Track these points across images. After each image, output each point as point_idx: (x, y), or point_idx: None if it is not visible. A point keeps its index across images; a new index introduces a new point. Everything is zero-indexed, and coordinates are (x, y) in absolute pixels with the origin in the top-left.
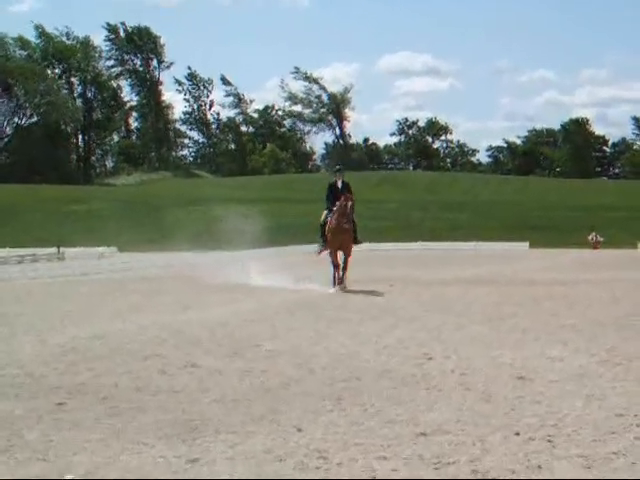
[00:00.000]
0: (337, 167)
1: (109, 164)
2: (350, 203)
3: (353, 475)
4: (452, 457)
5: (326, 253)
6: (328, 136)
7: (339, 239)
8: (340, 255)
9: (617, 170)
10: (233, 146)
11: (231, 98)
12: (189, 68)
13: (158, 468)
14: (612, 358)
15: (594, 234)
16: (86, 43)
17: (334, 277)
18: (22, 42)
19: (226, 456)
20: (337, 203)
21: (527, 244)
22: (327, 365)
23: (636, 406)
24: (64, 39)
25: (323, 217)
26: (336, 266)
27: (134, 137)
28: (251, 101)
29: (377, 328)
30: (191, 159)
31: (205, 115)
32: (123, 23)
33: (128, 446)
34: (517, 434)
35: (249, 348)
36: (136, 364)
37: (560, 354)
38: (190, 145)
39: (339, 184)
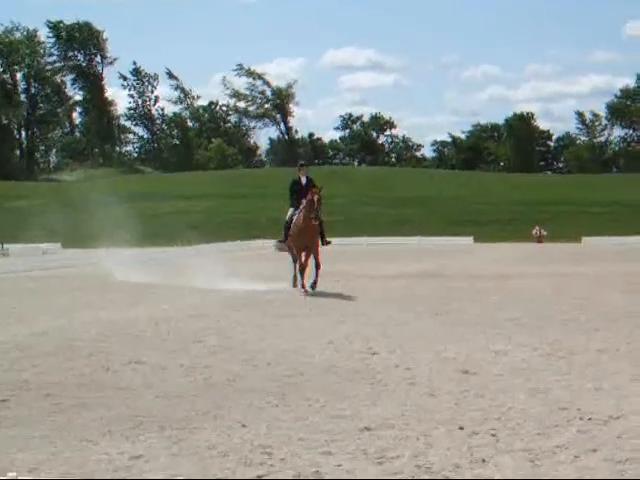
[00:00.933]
0: (300, 162)
1: (53, 160)
2: (317, 197)
3: (297, 470)
4: (396, 452)
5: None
6: (273, 131)
7: (305, 237)
8: (309, 260)
9: (561, 164)
10: (178, 141)
11: (177, 93)
12: (134, 63)
13: (101, 465)
14: (556, 352)
15: (538, 228)
16: (31, 38)
17: (295, 276)
18: None
19: (170, 452)
20: (303, 201)
21: (471, 238)
22: (272, 361)
23: (579, 399)
24: (9, 34)
25: (289, 215)
26: (301, 268)
27: (78, 133)
28: (197, 97)
29: (322, 323)
30: (136, 155)
31: (150, 110)
32: (61, 22)
33: (71, 443)
34: (461, 428)
35: (194, 344)
36: (80, 361)
37: (504, 348)
38: (135, 141)
39: (303, 180)
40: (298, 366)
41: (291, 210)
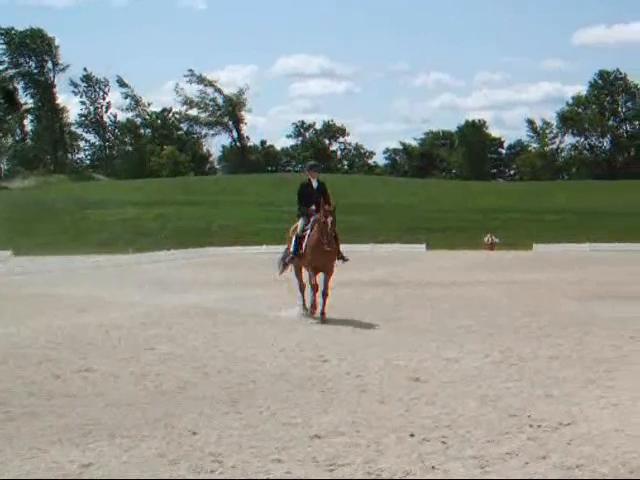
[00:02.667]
0: (311, 163)
1: (4, 167)
2: (330, 219)
3: (247, 478)
4: (346, 459)
5: (289, 271)
6: (225, 138)
7: (320, 260)
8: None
9: (512, 172)
10: (131, 148)
11: (128, 100)
12: (85, 70)
13: (51, 473)
14: (507, 359)
15: (489, 235)
16: None
17: (305, 300)
18: None
19: (120, 460)
20: (315, 216)
21: (424, 246)
22: (223, 368)
23: (530, 406)
24: None
25: (300, 227)
26: (315, 288)
27: (29, 140)
28: (149, 103)
29: (274, 331)
30: (88, 162)
31: (102, 117)
32: (12, 28)
33: (21, 451)
34: (412, 435)
35: (145, 351)
36: (30, 368)
37: (455, 355)
38: (86, 148)
39: (314, 183)
40: (249, 374)
41: (301, 221)
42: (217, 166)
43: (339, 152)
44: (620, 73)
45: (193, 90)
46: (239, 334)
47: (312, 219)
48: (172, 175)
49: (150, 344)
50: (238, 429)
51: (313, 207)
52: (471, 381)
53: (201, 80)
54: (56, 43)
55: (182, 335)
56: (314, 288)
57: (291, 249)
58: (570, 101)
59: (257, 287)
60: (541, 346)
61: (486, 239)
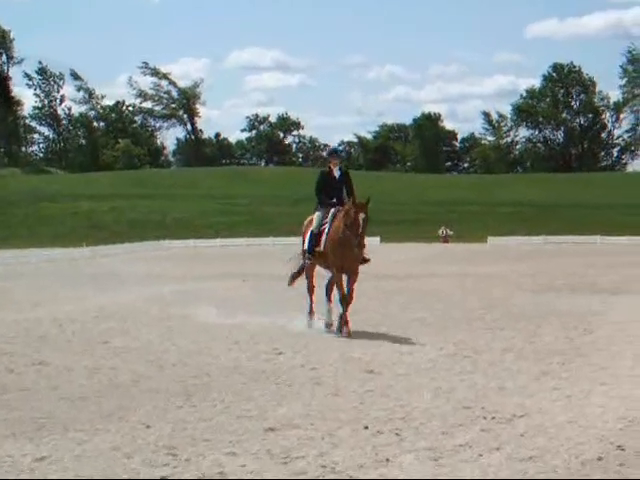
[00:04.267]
0: (331, 149)
1: None
2: (362, 216)
3: (201, 471)
4: (301, 452)
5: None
6: (180, 131)
7: (347, 258)
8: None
9: (467, 165)
10: (84, 142)
11: (81, 93)
12: (40, 63)
13: (4, 467)
14: (460, 351)
15: (444, 228)
16: None
17: (314, 305)
18: None
19: (74, 454)
20: (336, 208)
21: (378, 239)
22: (177, 361)
23: (483, 398)
24: None
25: (316, 221)
26: (343, 298)
27: None
28: (102, 96)
29: (229, 324)
30: (41, 155)
31: (56, 110)
32: None
33: None
34: (366, 428)
35: (99, 345)
36: None
37: (410, 348)
38: (40, 141)
39: (335, 172)
40: (203, 367)
41: (317, 214)
42: (171, 159)
43: (294, 145)
44: (574, 66)
45: (147, 83)
46: (193, 327)
47: (332, 211)
48: (126, 168)
49: (104, 338)
50: (192, 422)
51: (334, 200)
52: (425, 373)
53: (155, 73)
54: (11, 36)
55: (136, 328)
56: (343, 299)
57: (305, 247)
58: (524, 94)
59: (211, 280)
60: (495, 338)
61: (440, 232)
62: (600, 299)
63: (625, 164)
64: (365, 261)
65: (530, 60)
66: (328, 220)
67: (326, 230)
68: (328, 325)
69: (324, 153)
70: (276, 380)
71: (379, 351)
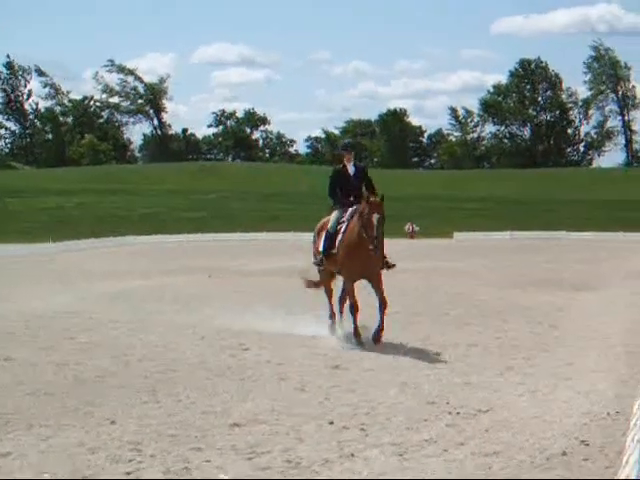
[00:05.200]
0: (345, 142)
1: None
2: (377, 217)
3: (166, 466)
4: (266, 447)
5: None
6: (146, 127)
7: (362, 263)
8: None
9: (433, 161)
10: (51, 137)
11: (47, 89)
12: (8, 57)
13: None
14: (426, 347)
15: (410, 224)
16: None
17: (332, 316)
18: None
19: (38, 449)
20: (353, 207)
21: None
22: (143, 357)
23: (448, 394)
24: None
25: (332, 221)
26: (354, 309)
27: None
28: (68, 92)
29: (194, 319)
30: (7, 150)
31: (22, 105)
32: None
33: None
34: (331, 423)
35: (65, 340)
36: None
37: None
38: (6, 136)
39: (350, 168)
40: (169, 362)
41: (334, 215)
42: (138, 155)
43: (260, 141)
44: (541, 62)
45: (114, 78)
46: (158, 322)
47: (349, 210)
48: (93, 164)
49: (70, 333)
50: (157, 418)
51: (352, 198)
52: (391, 369)
53: (121, 69)
54: None
55: (102, 324)
56: (354, 307)
57: (320, 248)
58: (491, 90)
59: (178, 275)
60: (460, 334)
61: (407, 227)
62: (565, 295)
63: (591, 160)
64: (389, 267)
65: (496, 56)
66: (345, 219)
67: (342, 230)
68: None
69: (291, 149)
70: (241, 376)
71: (345, 347)
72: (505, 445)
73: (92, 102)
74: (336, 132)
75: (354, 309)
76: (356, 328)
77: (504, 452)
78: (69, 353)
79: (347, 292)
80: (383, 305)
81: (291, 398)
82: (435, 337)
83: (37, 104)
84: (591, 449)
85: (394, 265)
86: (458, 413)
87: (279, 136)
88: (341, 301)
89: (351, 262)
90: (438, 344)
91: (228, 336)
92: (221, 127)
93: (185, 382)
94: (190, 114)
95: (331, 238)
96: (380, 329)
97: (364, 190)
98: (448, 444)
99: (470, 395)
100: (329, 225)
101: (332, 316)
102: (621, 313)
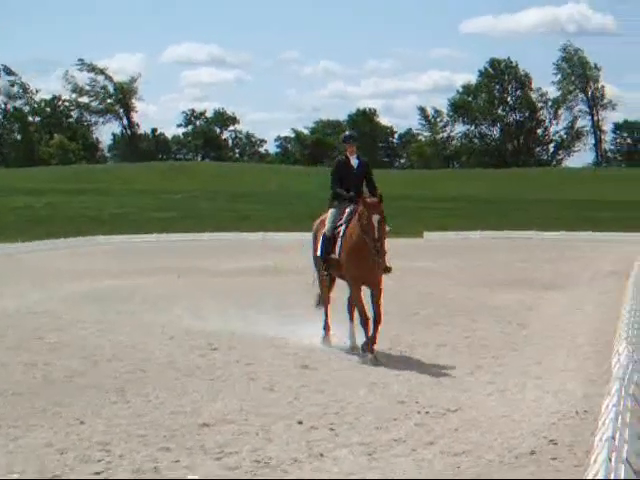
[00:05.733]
0: (346, 134)
1: None
2: (377, 218)
3: (135, 466)
4: (235, 447)
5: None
6: (116, 127)
7: (365, 269)
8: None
9: (403, 160)
10: (20, 137)
11: (16, 88)
12: None
13: None
14: (395, 346)
15: None
16: None
17: (329, 319)
18: None
19: (7, 450)
20: (352, 207)
21: None
22: (112, 357)
23: (417, 393)
24: None
25: (329, 221)
26: (363, 319)
27: None
28: (37, 91)
29: (164, 319)
30: None
31: None
32: None
33: None
34: (300, 423)
35: (34, 340)
36: None
37: (345, 343)
38: None
39: (353, 161)
40: (138, 362)
41: (332, 213)
42: (108, 154)
43: (230, 140)
44: (510, 62)
45: (84, 78)
46: (127, 322)
47: (347, 211)
48: (62, 164)
49: (39, 333)
50: (126, 418)
51: (352, 193)
52: (360, 369)
53: (92, 69)
54: None
55: (71, 324)
56: (363, 317)
57: (318, 253)
58: (460, 89)
59: (147, 276)
60: (430, 333)
61: None
62: (534, 294)
63: (561, 160)
64: (387, 270)
65: (465, 56)
66: (343, 221)
67: (341, 233)
68: (353, 349)
69: (261, 149)
70: (211, 376)
71: (314, 347)
72: (474, 444)
73: (61, 102)
74: (306, 132)
75: (364, 320)
76: (369, 342)
77: (473, 451)
78: (38, 353)
79: (355, 299)
80: (378, 319)
81: (260, 398)
82: (404, 337)
83: (6, 104)
84: (560, 448)
85: (391, 269)
86: (427, 412)
87: (248, 136)
88: (350, 307)
89: (355, 268)
90: (407, 344)
91: (197, 336)
92: (190, 127)
93: (154, 382)
94: (159, 114)
95: (329, 242)
96: (373, 338)
97: (364, 187)
98: (417, 443)
99: (439, 394)
100: (325, 228)
101: (326, 329)
102: (590, 312)
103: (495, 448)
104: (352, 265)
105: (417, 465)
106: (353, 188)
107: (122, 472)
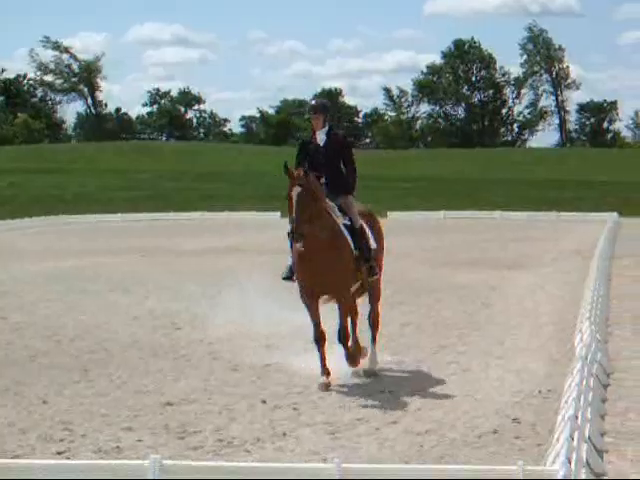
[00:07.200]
0: (311, 104)
1: None
2: (297, 190)
3: (98, 446)
4: (198, 426)
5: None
6: (80, 106)
7: (309, 274)
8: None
9: (368, 140)
10: None
11: None
12: None
13: None
14: (359, 325)
15: None
16: None
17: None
18: None
19: None
20: None
21: (279, 214)
22: (75, 336)
23: (381, 372)
24: None
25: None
26: (318, 336)
27: None
28: (3, 70)
29: (128, 299)
30: None
31: None
32: None
33: None
34: (263, 402)
35: None
36: None
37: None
38: None
39: (319, 138)
40: (101, 342)
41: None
42: (72, 134)
43: (195, 120)
44: (474, 42)
45: (48, 56)
46: (91, 302)
47: None
48: (26, 143)
49: (2, 313)
50: (89, 397)
51: (323, 180)
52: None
53: (56, 47)
54: None
55: (33, 304)
56: (318, 335)
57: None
58: (425, 69)
59: (111, 255)
60: (394, 313)
61: None
62: (498, 274)
63: (525, 140)
64: (373, 274)
65: (429, 36)
66: None
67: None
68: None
69: (225, 128)
70: (174, 355)
71: (278, 326)
72: (437, 423)
73: (26, 80)
74: (271, 111)
75: (319, 340)
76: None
77: (436, 430)
78: (0, 332)
79: (312, 310)
80: (342, 338)
81: (223, 377)
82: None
83: None
84: (522, 427)
85: (376, 274)
86: (390, 392)
87: (213, 115)
88: (371, 323)
89: (298, 272)
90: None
91: (161, 315)
92: (155, 106)
93: (118, 362)
94: (123, 94)
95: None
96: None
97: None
98: (380, 423)
99: (402, 374)
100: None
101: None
102: (553, 292)
103: (458, 427)
104: (297, 269)
105: (380, 444)
106: (322, 170)
107: (85, 451)
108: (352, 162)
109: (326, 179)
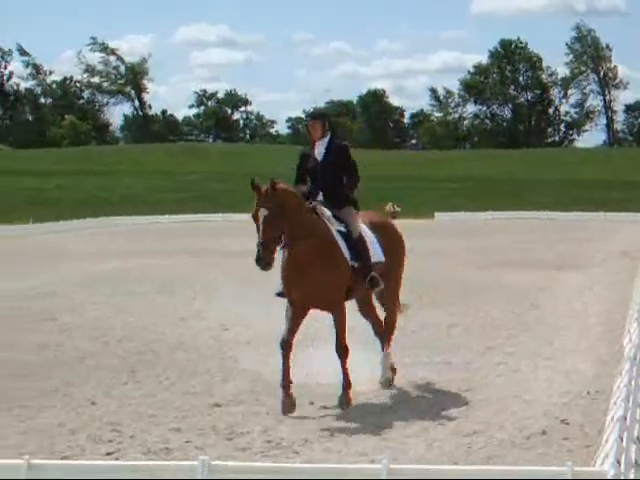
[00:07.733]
0: (309, 112)
1: None
2: (263, 212)
3: (146, 447)
4: (246, 427)
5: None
6: (127, 108)
7: (293, 286)
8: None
9: (415, 141)
10: (31, 118)
11: (29, 69)
12: None
13: None
14: (407, 326)
15: (391, 204)
16: None
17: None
18: None
19: (17, 430)
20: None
21: None
22: (123, 338)
23: (429, 373)
24: None
25: None
26: (287, 342)
27: None
28: (50, 72)
29: (175, 300)
30: None
31: (3, 86)
32: None
33: None
34: (311, 403)
35: (45, 321)
36: None
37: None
38: None
39: (317, 151)
40: (149, 343)
41: None
42: (118, 135)
43: (241, 121)
44: (521, 42)
45: (95, 58)
46: (139, 303)
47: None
48: (73, 145)
49: (51, 314)
50: (137, 398)
51: (321, 195)
52: (370, 349)
53: (104, 48)
54: None
55: (82, 305)
56: (286, 342)
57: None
58: (471, 70)
59: (159, 256)
60: (441, 314)
61: (388, 208)
62: (546, 274)
63: (572, 140)
64: (372, 284)
65: (475, 36)
66: None
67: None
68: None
69: (272, 130)
70: (222, 356)
71: (318, 327)
72: (485, 424)
73: (73, 82)
74: None
75: (285, 347)
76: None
77: (484, 431)
78: (50, 334)
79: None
80: (340, 351)
81: (271, 379)
82: (416, 317)
83: (18, 85)
84: (571, 428)
85: (380, 285)
86: (439, 392)
87: (259, 117)
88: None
89: (286, 286)
90: (419, 324)
91: (208, 316)
92: (202, 107)
93: (165, 363)
94: (170, 95)
95: None
96: (346, 386)
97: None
98: (428, 424)
99: (451, 375)
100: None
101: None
102: (601, 293)
103: (506, 428)
104: (284, 281)
105: (428, 445)
106: (320, 183)
107: (133, 452)
108: (352, 168)
109: (324, 194)
